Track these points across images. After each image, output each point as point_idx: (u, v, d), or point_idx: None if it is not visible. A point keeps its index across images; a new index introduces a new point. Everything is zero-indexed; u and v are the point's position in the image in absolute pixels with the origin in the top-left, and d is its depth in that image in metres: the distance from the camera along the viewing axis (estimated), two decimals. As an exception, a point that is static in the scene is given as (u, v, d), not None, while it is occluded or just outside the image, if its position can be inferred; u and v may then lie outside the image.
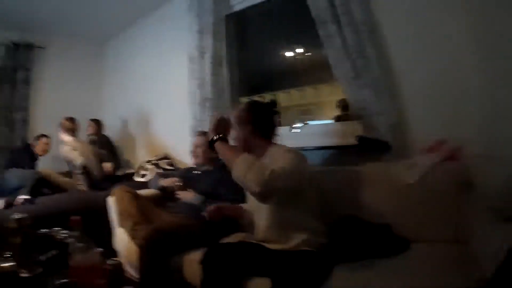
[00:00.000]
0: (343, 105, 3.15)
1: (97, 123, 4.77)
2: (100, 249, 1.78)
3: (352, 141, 2.66)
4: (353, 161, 2.59)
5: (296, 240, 1.90)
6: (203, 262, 1.81)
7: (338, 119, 3.29)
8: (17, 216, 1.78)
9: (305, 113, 4.05)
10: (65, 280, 1.56)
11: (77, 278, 1.49)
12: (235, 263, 1.78)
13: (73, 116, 4.40)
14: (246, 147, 2.04)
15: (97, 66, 5.75)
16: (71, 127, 4.15)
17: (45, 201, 3.53)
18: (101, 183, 4.09)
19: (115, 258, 1.75)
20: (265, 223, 2.01)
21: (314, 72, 3.56)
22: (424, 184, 2.18)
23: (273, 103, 2.18)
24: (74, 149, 4.00)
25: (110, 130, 5.24)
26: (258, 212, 2.06)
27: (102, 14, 4.68)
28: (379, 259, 1.84)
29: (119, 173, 4.56)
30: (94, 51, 5.73)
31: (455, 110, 2.35)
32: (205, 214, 2.13)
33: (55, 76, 5.31)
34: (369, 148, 2.61)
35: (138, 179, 3.96)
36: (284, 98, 4.01)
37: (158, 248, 2.21)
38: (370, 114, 2.54)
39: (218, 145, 1.92)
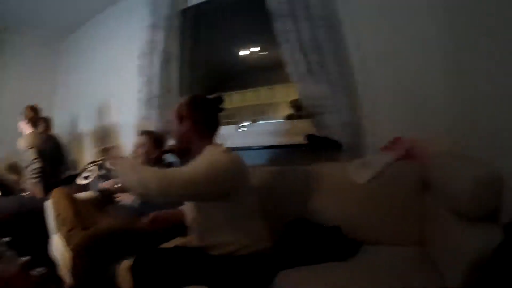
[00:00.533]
0: (297, 105, 3.04)
1: (46, 121, 4.52)
2: (26, 258, 1.67)
3: (302, 140, 2.58)
4: (304, 160, 2.52)
5: (230, 244, 1.80)
6: (133, 268, 1.73)
7: (289, 118, 3.20)
8: None
9: (259, 113, 3.95)
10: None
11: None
12: (167, 269, 1.69)
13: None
14: (184, 144, 1.95)
15: (51, 63, 5.44)
16: (33, 117, 3.84)
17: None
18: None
19: (40, 268, 1.61)
20: (195, 227, 1.94)
21: (269, 72, 3.47)
22: (377, 184, 2.09)
23: (219, 100, 2.01)
24: (31, 146, 3.71)
25: (60, 129, 5.06)
26: (190, 216, 1.98)
27: (62, 8, 4.45)
28: (328, 263, 1.77)
29: (64, 175, 4.35)
30: (50, 47, 5.40)
31: (416, 111, 2.29)
32: (143, 224, 2.02)
33: (6, 70, 4.99)
34: (319, 147, 2.54)
35: (80, 181, 3.76)
36: (237, 98, 3.91)
37: (91, 254, 2.09)
38: (322, 112, 2.44)
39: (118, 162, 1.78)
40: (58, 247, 2.49)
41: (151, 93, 3.43)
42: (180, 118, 1.92)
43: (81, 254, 2.10)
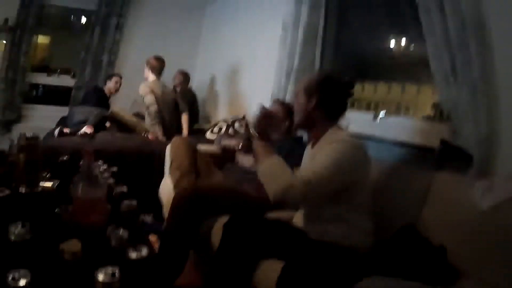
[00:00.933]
0: (438, 107, 2.78)
1: (184, 75, 4.79)
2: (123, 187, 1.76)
3: (433, 144, 2.36)
4: (429, 166, 2.31)
5: (334, 233, 1.74)
6: (226, 225, 1.77)
7: (428, 119, 2.94)
8: (27, 134, 1.78)
9: (395, 108, 3.74)
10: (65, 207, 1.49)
11: (77, 209, 1.42)
12: (256, 237, 1.72)
13: (168, 67, 4.41)
14: (306, 120, 1.91)
15: (195, 21, 5.78)
16: (157, 66, 4.13)
17: (104, 137, 3.58)
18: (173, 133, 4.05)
19: (133, 200, 1.67)
20: (303, 213, 1.91)
21: (410, 68, 3.20)
22: (498, 215, 1.77)
23: (350, 84, 1.96)
24: (151, 92, 3.98)
25: (199, 84, 5.35)
26: None
27: None
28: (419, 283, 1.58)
29: (195, 127, 4.57)
30: (194, 5, 5.73)
31: None
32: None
33: (150, 26, 5.43)
34: (450, 156, 2.28)
35: (209, 136, 3.91)
36: (370, 90, 3.72)
37: (190, 205, 2.13)
38: (460, 118, 2.20)
39: (256, 143, 1.82)
40: (166, 190, 2.60)
41: (291, 66, 3.39)
42: (309, 93, 1.87)
43: (181, 202, 2.16)
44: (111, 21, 5.06)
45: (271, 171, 1.68)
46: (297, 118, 1.95)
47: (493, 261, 1.74)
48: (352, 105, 3.46)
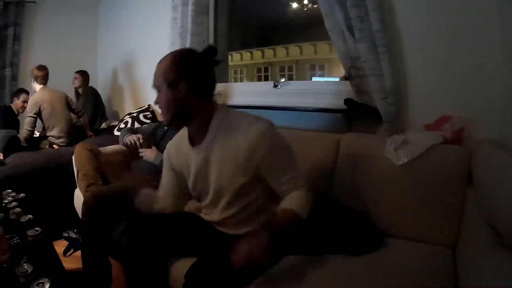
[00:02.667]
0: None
1: (83, 74, 4.56)
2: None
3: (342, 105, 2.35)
4: (339, 128, 2.31)
5: (252, 225, 1.58)
6: (125, 234, 1.64)
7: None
8: None
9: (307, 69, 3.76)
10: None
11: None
12: (160, 239, 1.61)
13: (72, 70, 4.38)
14: (181, 115, 1.56)
15: (90, 18, 5.50)
16: (39, 74, 3.88)
17: (14, 161, 3.34)
18: (82, 137, 3.91)
19: (37, 228, 1.56)
20: (221, 210, 1.68)
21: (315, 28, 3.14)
22: (416, 168, 1.80)
23: (212, 50, 1.60)
24: (37, 102, 3.75)
25: (103, 82, 5.27)
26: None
27: None
28: (343, 256, 1.57)
29: (103, 126, 4.42)
30: (87, 5, 5.45)
31: (470, 90, 1.96)
32: None
33: (47, 31, 5.08)
34: (357, 115, 2.30)
35: (117, 133, 3.76)
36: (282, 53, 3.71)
37: (96, 213, 2.05)
38: (362, 75, 2.19)
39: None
40: (79, 201, 2.48)
41: (184, 45, 3.26)
42: (169, 83, 1.51)
43: (86, 211, 2.08)
44: (8, 32, 4.71)
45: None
46: (168, 117, 1.57)
47: (415, 216, 1.78)
48: (266, 70, 3.41)
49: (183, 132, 1.73)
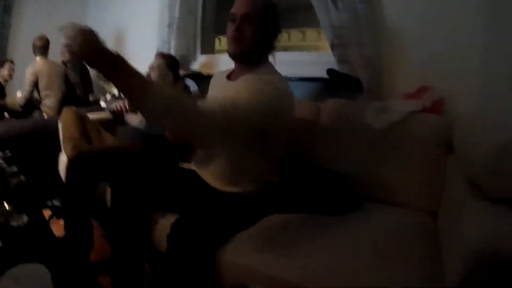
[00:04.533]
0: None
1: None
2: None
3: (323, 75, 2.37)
4: (322, 97, 2.32)
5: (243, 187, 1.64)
6: (111, 186, 1.68)
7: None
8: None
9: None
10: None
11: None
12: (145, 191, 1.61)
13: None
14: (256, 52, 1.62)
15: None
16: (39, 45, 3.93)
17: (2, 126, 3.36)
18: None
19: (21, 177, 1.59)
20: (214, 170, 1.70)
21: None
22: (394, 134, 1.85)
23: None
24: (35, 72, 3.82)
25: None
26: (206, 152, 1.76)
27: None
28: (322, 216, 1.59)
29: (91, 98, 4.42)
30: None
31: (449, 62, 2.02)
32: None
33: (39, 2, 5.03)
34: (339, 84, 2.34)
35: (103, 104, 3.78)
36: None
37: (80, 170, 2.01)
38: (344, 45, 2.24)
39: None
40: (64, 164, 2.49)
41: (173, 17, 3.29)
42: (265, 17, 1.58)
43: (69, 167, 2.06)
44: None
45: (164, 102, 1.21)
46: (246, 50, 1.57)
47: (396, 181, 1.82)
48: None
49: (223, 72, 1.83)
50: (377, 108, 1.96)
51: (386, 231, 1.49)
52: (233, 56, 1.62)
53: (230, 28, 1.57)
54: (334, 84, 2.37)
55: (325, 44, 2.44)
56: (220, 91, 1.69)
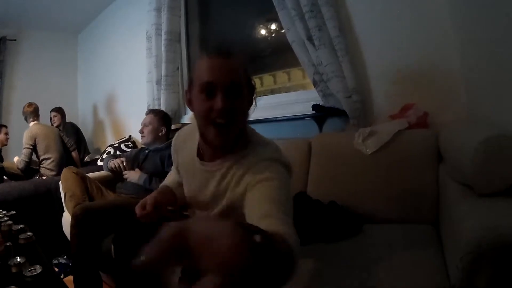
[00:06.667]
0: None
1: (59, 110, 4.66)
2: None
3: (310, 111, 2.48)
4: (310, 132, 2.43)
5: None
6: (114, 240, 1.66)
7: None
8: None
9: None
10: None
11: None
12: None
13: (53, 106, 4.53)
14: (242, 131, 1.23)
15: (70, 56, 5.78)
16: (30, 110, 4.04)
17: (3, 188, 3.42)
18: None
19: (29, 233, 1.63)
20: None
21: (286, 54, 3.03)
22: (386, 155, 1.92)
23: None
24: (33, 136, 3.88)
25: (84, 117, 5.48)
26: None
27: (73, 5, 4.65)
28: (328, 243, 1.61)
29: (86, 159, 4.49)
30: (66, 42, 5.73)
31: (429, 78, 2.14)
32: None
33: (29, 68, 5.30)
34: (325, 117, 2.46)
35: (100, 163, 3.85)
36: (256, 83, 3.75)
37: (84, 226, 2.09)
38: (326, 79, 2.35)
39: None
40: (67, 223, 2.53)
41: (160, 74, 3.45)
42: (249, 85, 1.22)
43: (75, 224, 2.11)
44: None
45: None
46: (235, 131, 1.18)
47: (392, 199, 1.85)
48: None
49: (193, 132, 1.36)
50: (365, 133, 2.03)
51: (392, 247, 1.50)
52: (221, 148, 1.21)
53: (206, 104, 1.13)
54: (321, 117, 2.47)
55: (309, 81, 2.55)
56: (198, 184, 1.31)
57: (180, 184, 1.52)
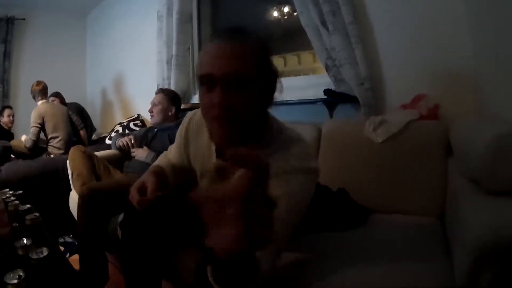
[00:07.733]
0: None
1: (58, 95, 4.65)
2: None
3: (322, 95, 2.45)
4: (321, 118, 2.41)
5: None
6: (121, 224, 1.55)
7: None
8: None
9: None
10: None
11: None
12: (158, 227, 1.46)
13: (61, 86, 4.54)
14: (253, 128, 1.09)
15: (78, 36, 5.75)
16: (37, 89, 4.05)
17: (9, 168, 3.42)
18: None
19: (36, 214, 1.62)
20: None
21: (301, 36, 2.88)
22: (396, 145, 1.88)
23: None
24: (41, 115, 3.89)
25: (92, 98, 5.50)
26: None
27: None
28: (330, 232, 1.57)
29: (94, 137, 4.51)
30: (75, 22, 5.70)
31: (442, 69, 2.09)
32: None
33: (37, 48, 5.30)
34: (336, 103, 2.43)
35: (108, 142, 3.84)
36: None
37: (91, 205, 2.08)
38: (338, 65, 2.31)
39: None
40: (74, 202, 2.53)
41: (170, 54, 3.43)
42: (260, 76, 1.02)
43: (81, 204, 2.11)
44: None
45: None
46: (239, 129, 1.02)
47: (400, 190, 1.84)
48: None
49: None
50: (375, 122, 2.00)
51: (397, 239, 1.48)
52: (232, 143, 1.01)
53: (206, 98, 1.03)
54: (332, 102, 2.44)
55: (321, 65, 2.51)
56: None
57: (174, 167, 1.46)
